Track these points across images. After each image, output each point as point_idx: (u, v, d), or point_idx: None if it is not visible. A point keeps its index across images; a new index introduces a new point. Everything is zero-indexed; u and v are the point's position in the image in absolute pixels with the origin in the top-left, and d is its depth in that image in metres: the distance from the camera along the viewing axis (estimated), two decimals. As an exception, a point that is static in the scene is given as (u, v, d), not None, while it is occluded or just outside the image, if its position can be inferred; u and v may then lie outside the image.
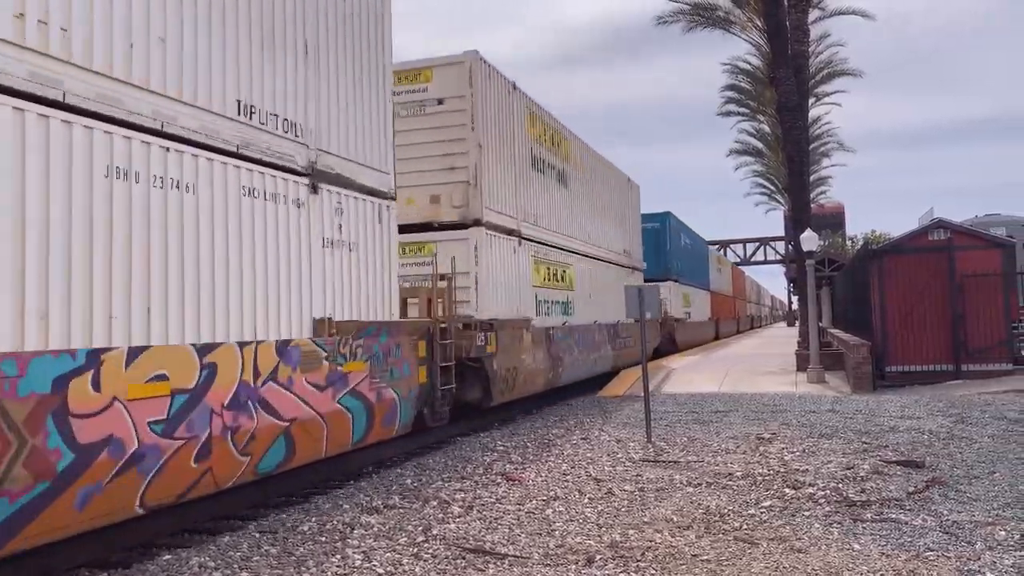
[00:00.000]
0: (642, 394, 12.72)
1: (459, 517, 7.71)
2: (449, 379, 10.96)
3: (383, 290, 9.59)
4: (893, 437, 11.27)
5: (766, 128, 47.08)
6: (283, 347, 7.58)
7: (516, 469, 10.00)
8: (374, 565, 6.34)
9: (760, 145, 51.99)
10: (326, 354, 8.20)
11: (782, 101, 25.50)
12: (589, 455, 10.75)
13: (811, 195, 34.04)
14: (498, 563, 6.29)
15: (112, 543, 6.74)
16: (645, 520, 7.38)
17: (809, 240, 20.73)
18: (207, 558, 6.62)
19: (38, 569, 6.13)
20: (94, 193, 5.84)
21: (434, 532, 7.19)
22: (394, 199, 10.01)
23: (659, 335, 27.84)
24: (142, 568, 6.48)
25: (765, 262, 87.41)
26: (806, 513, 7.46)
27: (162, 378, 6.19)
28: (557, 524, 7.35)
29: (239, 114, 7.37)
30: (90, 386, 5.59)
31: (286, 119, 8.04)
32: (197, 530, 7.53)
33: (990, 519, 7.05)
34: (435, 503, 8.30)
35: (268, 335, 7.47)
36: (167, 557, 6.68)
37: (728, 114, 44.86)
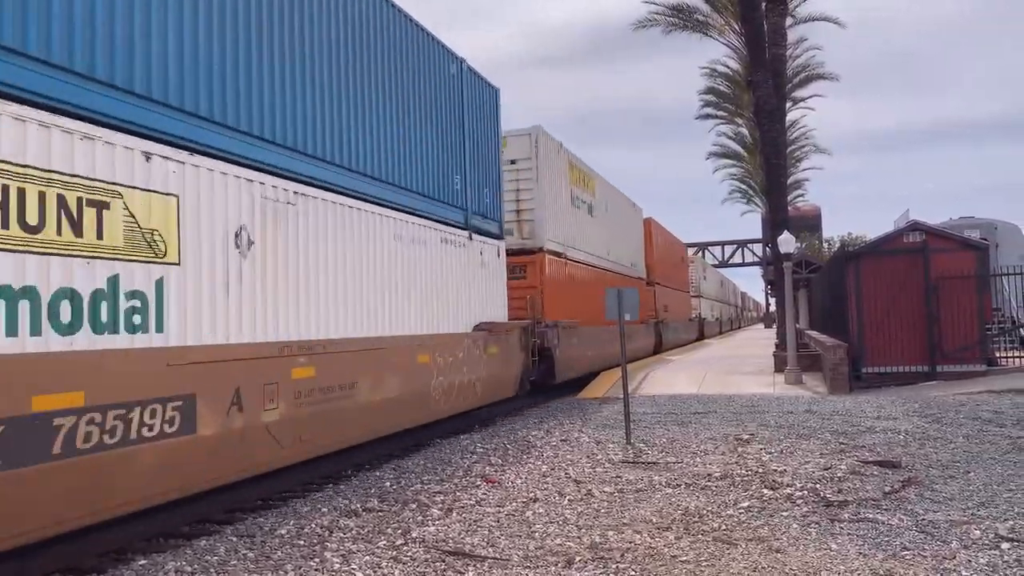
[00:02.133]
0: (621, 396, 12.75)
1: (439, 520, 7.68)
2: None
3: None
4: (870, 438, 11.37)
5: (744, 131, 47.49)
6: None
7: (496, 471, 9.98)
8: (353, 569, 6.29)
9: (739, 148, 52.43)
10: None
11: (760, 104, 25.68)
12: (569, 457, 10.75)
13: (788, 198, 34.31)
14: (478, 565, 6.26)
15: (85, 548, 6.64)
16: (624, 521, 7.38)
17: (786, 242, 20.89)
18: (183, 562, 6.54)
19: (11, 574, 6.02)
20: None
21: (413, 535, 7.15)
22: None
23: None
24: (116, 574, 6.40)
25: (743, 264, 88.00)
26: (784, 513, 7.49)
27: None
28: (537, 526, 7.34)
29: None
30: None
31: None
32: (173, 534, 7.44)
33: (965, 518, 7.12)
34: (414, 506, 8.26)
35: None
36: (142, 562, 6.60)
37: (707, 117, 45.18)
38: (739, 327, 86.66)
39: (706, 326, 51.25)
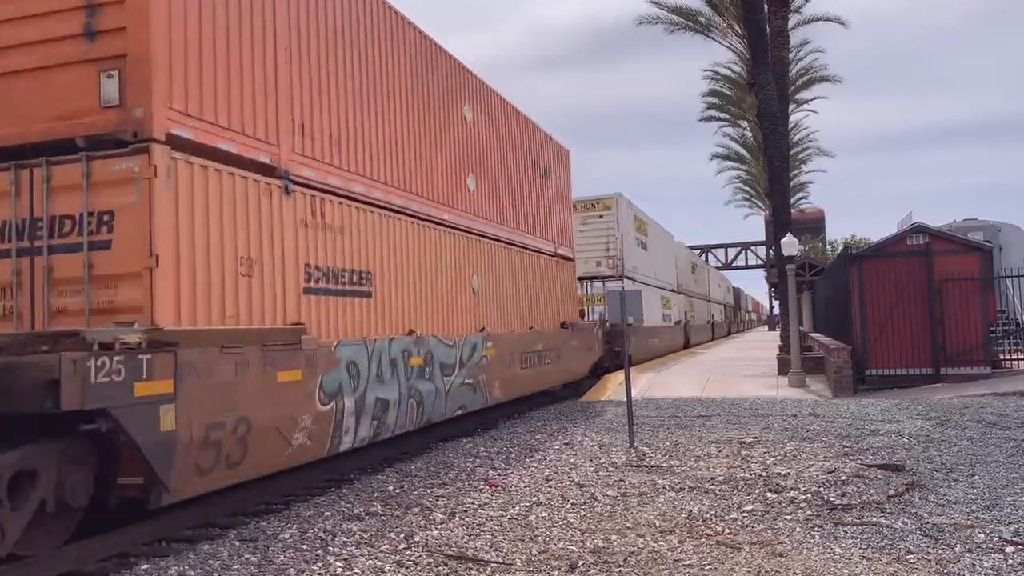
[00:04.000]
0: (624, 399, 12.73)
1: (441, 524, 7.67)
2: None
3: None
4: (874, 441, 11.34)
5: (748, 133, 47.54)
6: None
7: (499, 475, 9.98)
8: (356, 572, 6.29)
9: (742, 150, 52.51)
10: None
11: (763, 107, 25.65)
12: (572, 460, 10.74)
13: (792, 200, 34.32)
14: (481, 569, 6.26)
15: (87, 553, 6.64)
16: (628, 525, 7.37)
17: (790, 245, 20.87)
18: (186, 567, 6.54)
19: (12, 580, 5.98)
20: None
21: (416, 539, 7.15)
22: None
23: None
24: (119, 578, 6.40)
25: (747, 267, 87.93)
26: (788, 517, 7.48)
27: None
28: (540, 530, 7.33)
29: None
30: None
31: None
32: (176, 539, 7.44)
33: (969, 521, 7.10)
34: (417, 510, 8.26)
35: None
36: (145, 566, 6.60)
37: (710, 119, 45.34)
38: (730, 333, 67.06)
39: (651, 338, 28.84)
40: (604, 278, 25.65)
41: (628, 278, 26.52)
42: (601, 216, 25.84)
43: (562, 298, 18.74)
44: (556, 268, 18.50)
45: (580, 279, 23.30)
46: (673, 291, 36.97)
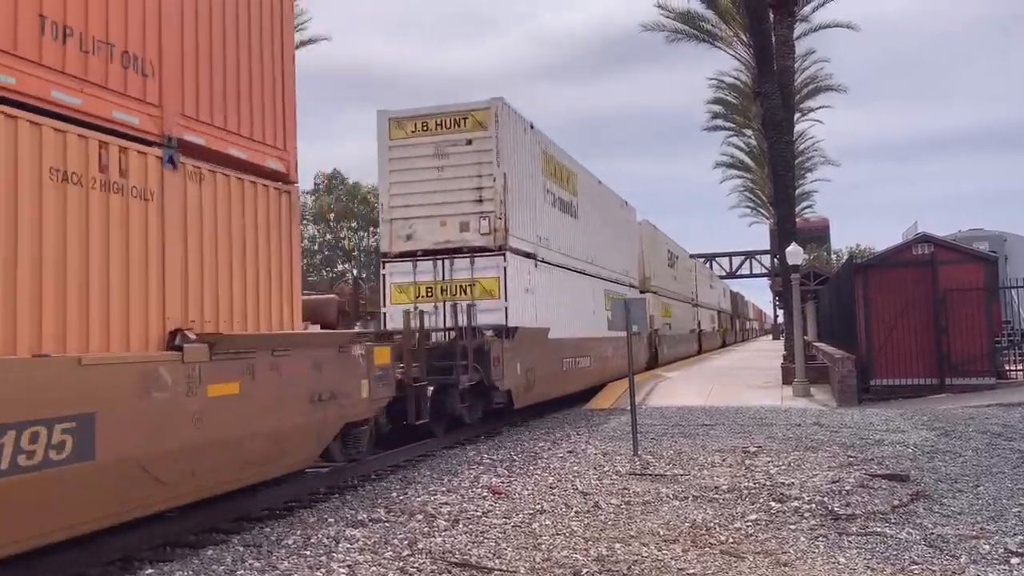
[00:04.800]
0: (628, 407, 12.73)
1: (445, 531, 7.67)
2: None
3: None
4: (878, 451, 11.32)
5: (753, 142, 47.60)
6: None
7: (502, 482, 9.97)
8: (359, 579, 6.29)
9: (747, 159, 52.53)
10: None
11: (767, 116, 25.69)
12: (575, 468, 10.73)
13: (796, 209, 34.29)
14: (484, 577, 6.26)
15: (91, 556, 6.66)
16: (632, 534, 7.37)
17: (794, 254, 20.85)
18: (190, 572, 6.55)
19: (17, 583, 5.97)
20: None
21: (420, 546, 7.15)
22: None
23: None
24: (123, 582, 6.41)
25: (751, 275, 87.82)
26: (792, 527, 7.46)
27: None
28: (544, 538, 7.33)
29: None
30: None
31: None
32: (180, 543, 7.46)
33: (974, 532, 7.08)
34: (421, 516, 8.26)
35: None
36: (149, 571, 6.61)
37: (715, 128, 45.38)
38: (724, 344, 59.47)
39: (572, 357, 18.16)
40: (473, 252, 14.52)
41: (523, 254, 15.43)
42: (470, 142, 14.62)
43: (213, 268, 7.52)
44: (176, 186, 7.03)
45: (435, 254, 14.56)
46: (631, 286, 25.79)
